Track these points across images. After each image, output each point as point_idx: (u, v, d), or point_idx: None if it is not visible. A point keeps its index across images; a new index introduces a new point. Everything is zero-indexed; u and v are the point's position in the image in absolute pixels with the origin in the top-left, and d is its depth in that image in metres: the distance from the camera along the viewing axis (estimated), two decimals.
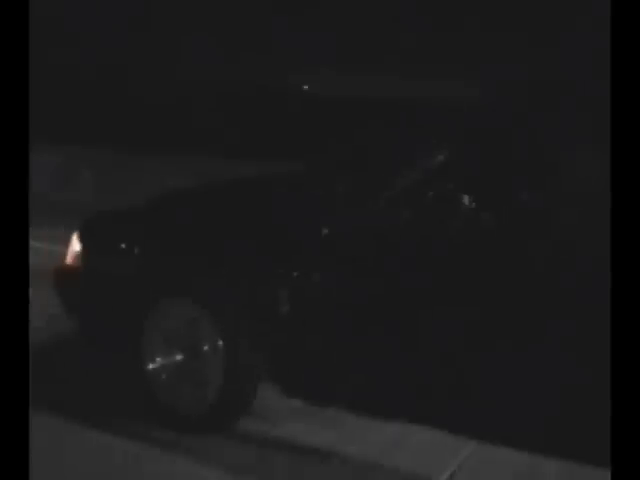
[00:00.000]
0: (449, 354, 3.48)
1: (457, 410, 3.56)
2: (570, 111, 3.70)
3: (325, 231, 3.70)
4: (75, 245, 4.39)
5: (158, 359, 4.03)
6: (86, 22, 12.02)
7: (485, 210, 3.49)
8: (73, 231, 4.51)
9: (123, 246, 4.20)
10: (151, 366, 4.04)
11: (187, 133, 10.09)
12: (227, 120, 9.93)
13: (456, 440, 3.76)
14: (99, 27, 11.97)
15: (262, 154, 8.53)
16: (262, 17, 10.59)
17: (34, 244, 8.14)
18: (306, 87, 9.78)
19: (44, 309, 5.39)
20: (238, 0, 10.83)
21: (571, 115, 3.67)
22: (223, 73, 10.44)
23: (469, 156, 3.69)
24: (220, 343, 3.80)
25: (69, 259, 4.44)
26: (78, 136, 11.08)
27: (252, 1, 10.73)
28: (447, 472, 3.69)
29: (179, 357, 4.00)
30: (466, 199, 3.48)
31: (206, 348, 3.88)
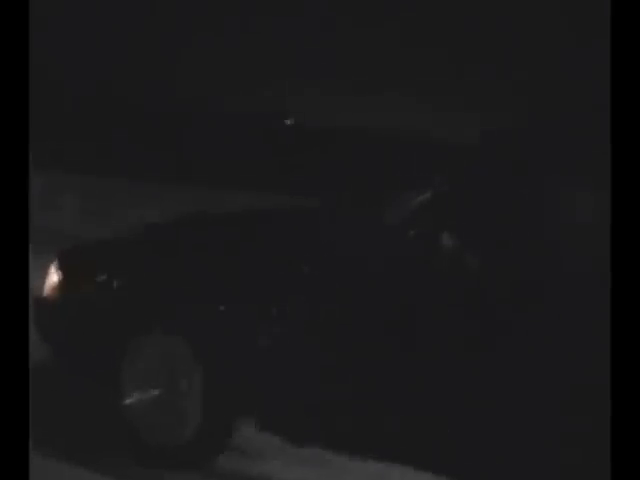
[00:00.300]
0: (434, 395, 3.45)
1: (442, 451, 3.52)
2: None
3: (306, 267, 3.67)
4: (53, 275, 4.34)
5: (135, 394, 3.98)
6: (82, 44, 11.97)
7: (469, 250, 3.47)
8: (49, 259, 4.47)
9: (101, 278, 4.15)
10: (128, 401, 3.98)
11: (175, 161, 10.04)
12: (214, 149, 9.89)
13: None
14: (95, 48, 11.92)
15: (248, 185, 8.48)
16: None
17: None
18: (289, 121, 9.76)
19: None
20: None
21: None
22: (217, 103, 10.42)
23: (455, 195, 3.67)
24: (198, 378, 3.76)
25: (46, 289, 4.39)
26: (62, 159, 11.01)
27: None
28: None
29: (156, 391, 3.95)
30: (448, 238, 3.46)
31: (184, 382, 3.84)
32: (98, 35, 10.96)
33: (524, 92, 8.08)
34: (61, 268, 4.33)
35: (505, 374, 3.32)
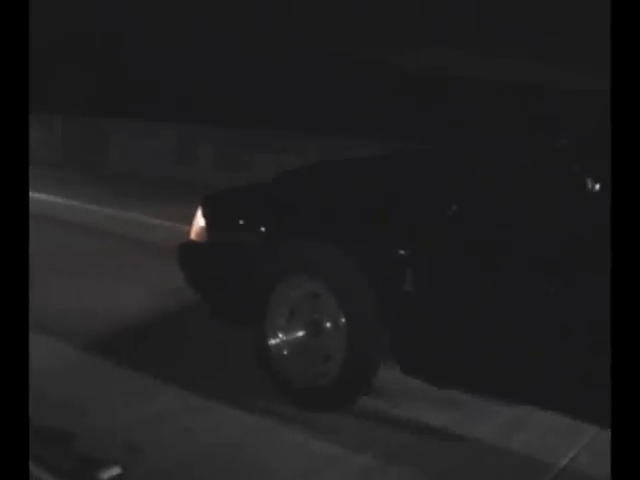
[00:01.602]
0: (570, 338, 3.41)
1: (579, 393, 3.50)
2: None
3: (452, 209, 3.67)
4: (199, 220, 4.48)
5: (280, 334, 4.09)
6: None
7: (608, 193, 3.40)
8: (193, 208, 4.61)
9: (247, 222, 4.26)
10: (273, 341, 4.10)
11: (307, 110, 10.12)
12: (346, 98, 9.93)
13: (579, 423, 3.69)
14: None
15: (384, 133, 8.50)
16: None
17: (156, 221, 8.46)
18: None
19: (169, 283, 5.55)
20: None
21: None
22: (342, 49, 10.43)
23: (594, 140, 3.60)
24: (342, 320, 3.82)
25: (193, 234, 4.53)
26: (194, 113, 11.25)
27: None
28: (569, 455, 3.66)
29: (301, 333, 4.05)
30: (590, 182, 3.41)
31: (328, 325, 3.92)
32: None
33: None
34: (205, 214, 4.47)
35: None
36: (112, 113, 12.59)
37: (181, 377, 4.37)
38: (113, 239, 7.90)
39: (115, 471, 3.42)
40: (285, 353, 4.09)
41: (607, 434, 3.59)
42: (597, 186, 3.40)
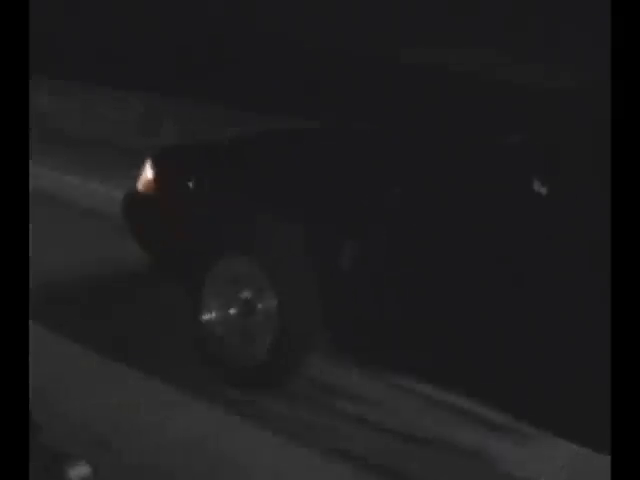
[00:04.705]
0: (507, 333, 3.36)
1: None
2: None
3: (394, 191, 3.63)
4: (147, 172, 4.40)
5: (214, 311, 4.03)
6: None
7: (557, 196, 3.36)
8: None
9: (190, 179, 4.21)
10: (206, 317, 4.03)
11: (273, 90, 10.09)
12: (308, 80, 9.93)
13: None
14: None
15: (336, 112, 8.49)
16: None
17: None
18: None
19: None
20: None
21: None
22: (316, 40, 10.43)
23: (545, 141, 3.56)
24: (275, 300, 3.78)
25: (140, 184, 4.45)
26: (161, 86, 11.15)
27: None
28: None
29: (233, 311, 3.99)
30: (537, 184, 3.36)
31: (260, 305, 3.88)
32: None
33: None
34: (155, 165, 4.40)
35: None
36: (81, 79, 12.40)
37: (148, 366, 4.18)
38: (74, 209, 7.71)
39: (84, 471, 3.26)
40: (218, 331, 4.02)
41: (583, 451, 3.46)
42: (544, 190, 3.35)
